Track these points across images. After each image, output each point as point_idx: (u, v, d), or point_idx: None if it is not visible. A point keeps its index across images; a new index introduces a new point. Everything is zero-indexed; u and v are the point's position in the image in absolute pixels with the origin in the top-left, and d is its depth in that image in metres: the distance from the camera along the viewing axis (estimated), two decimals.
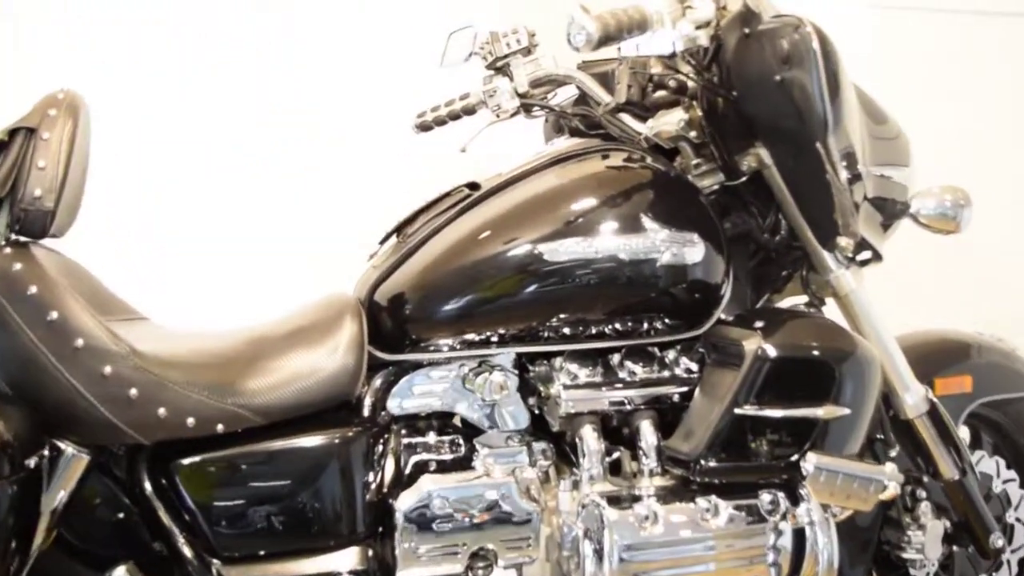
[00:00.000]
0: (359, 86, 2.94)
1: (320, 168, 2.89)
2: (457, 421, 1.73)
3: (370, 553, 1.61)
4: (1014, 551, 2.03)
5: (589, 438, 1.66)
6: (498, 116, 1.97)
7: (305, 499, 1.59)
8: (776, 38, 1.62)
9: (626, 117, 1.85)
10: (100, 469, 1.56)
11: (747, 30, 1.67)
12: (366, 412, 1.66)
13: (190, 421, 1.51)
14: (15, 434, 1.42)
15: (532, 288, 1.66)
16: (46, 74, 2.64)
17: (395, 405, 1.68)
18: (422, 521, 1.59)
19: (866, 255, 1.78)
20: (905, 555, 1.87)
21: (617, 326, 1.68)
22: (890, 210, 1.77)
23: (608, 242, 1.65)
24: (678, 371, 1.71)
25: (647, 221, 1.67)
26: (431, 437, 1.68)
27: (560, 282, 1.65)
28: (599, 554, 1.58)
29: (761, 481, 1.64)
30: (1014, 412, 2.03)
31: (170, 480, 1.55)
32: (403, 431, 1.67)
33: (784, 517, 1.62)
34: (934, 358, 1.94)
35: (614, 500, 1.61)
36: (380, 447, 1.65)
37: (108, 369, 1.47)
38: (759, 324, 1.67)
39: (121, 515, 1.56)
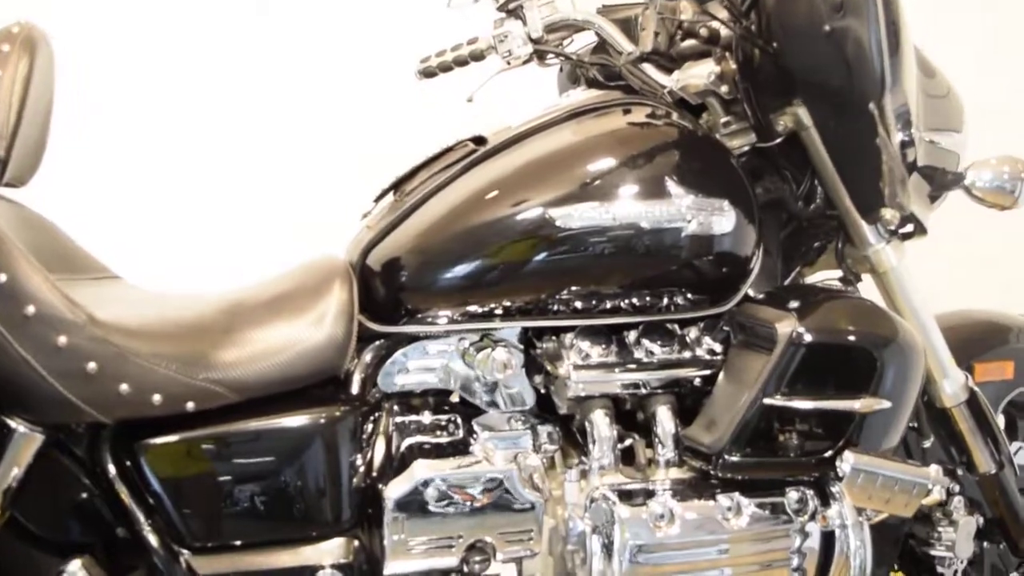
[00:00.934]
0: (353, 24, 2.72)
1: (309, 116, 2.68)
2: (455, 398, 1.56)
3: (355, 544, 1.46)
4: None
5: (600, 423, 1.50)
6: (509, 63, 1.81)
7: (285, 484, 1.44)
8: None
9: (649, 68, 1.68)
10: (58, 447, 1.40)
11: None
12: (354, 389, 1.51)
13: (156, 398, 1.35)
14: None
15: (542, 256, 1.50)
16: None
17: (387, 382, 1.53)
18: (414, 510, 1.45)
19: (909, 228, 1.61)
20: (933, 552, 1.73)
21: (634, 300, 1.51)
22: (940, 180, 1.60)
23: (628, 208, 1.48)
24: (700, 352, 1.55)
25: (672, 185, 1.50)
26: (426, 417, 1.53)
27: (573, 251, 1.49)
28: (608, 552, 1.44)
29: (788, 478, 1.49)
30: None
31: (135, 461, 1.40)
32: (395, 410, 1.52)
33: (812, 518, 1.47)
34: (974, 341, 1.79)
35: (626, 495, 1.45)
36: (369, 427, 1.50)
37: (63, 340, 1.31)
38: (793, 304, 1.50)
39: (81, 498, 1.40)
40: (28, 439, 1.34)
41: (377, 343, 1.53)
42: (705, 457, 1.48)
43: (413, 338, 1.53)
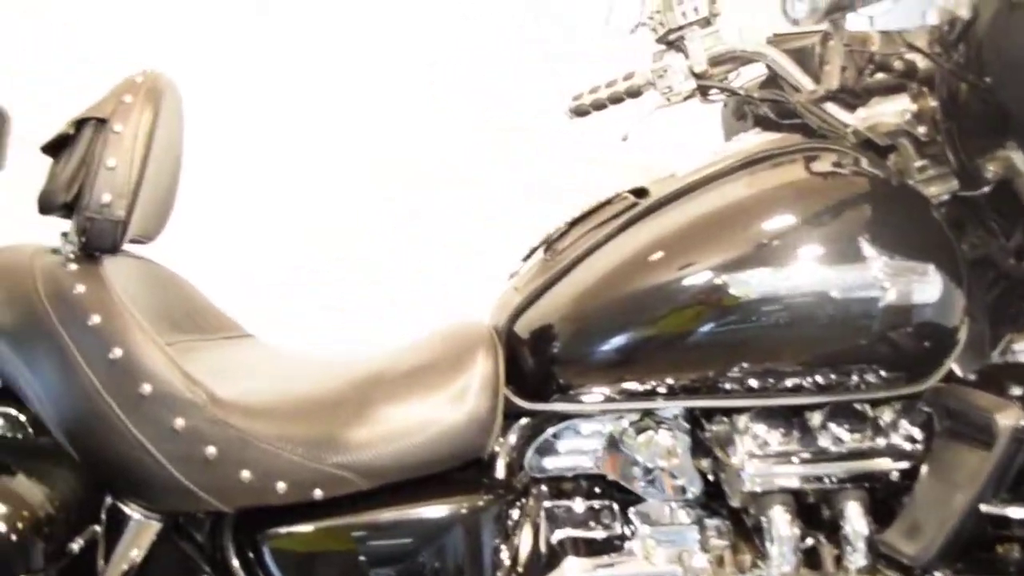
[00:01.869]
0: (497, 66, 2.57)
1: (451, 167, 2.54)
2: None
3: None
4: None
5: (779, 521, 1.30)
6: (668, 100, 1.62)
7: None
8: None
9: (829, 104, 1.47)
10: (177, 531, 1.27)
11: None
12: (499, 473, 1.35)
13: (280, 486, 1.22)
14: (64, 501, 1.14)
15: (712, 327, 1.31)
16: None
17: (535, 464, 1.36)
18: None
19: None
20: None
21: (818, 378, 1.30)
22: None
23: (814, 274, 1.28)
24: (896, 439, 1.33)
25: (866, 246, 1.29)
26: (578, 505, 1.36)
27: (748, 321, 1.29)
28: None
29: None
30: None
31: (258, 552, 1.27)
32: (544, 497, 1.36)
33: None
34: None
35: None
36: (515, 516, 1.33)
37: (180, 422, 1.19)
38: (1016, 390, 1.27)
39: None
40: (144, 527, 1.23)
41: (524, 421, 1.36)
42: (906, 570, 1.26)
43: (563, 416, 1.35)
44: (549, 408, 1.34)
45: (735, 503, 1.35)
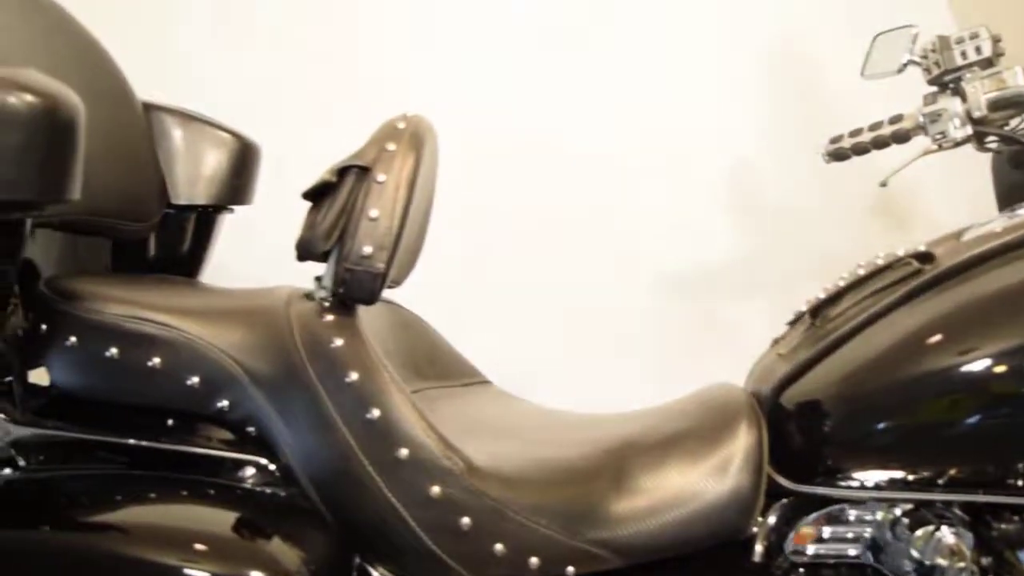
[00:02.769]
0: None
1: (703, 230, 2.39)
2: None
3: None
4: None
5: None
6: (940, 146, 1.49)
7: None
8: None
9: None
10: None
11: None
12: (757, 556, 1.24)
13: (533, 561, 1.16)
14: (318, 566, 1.11)
15: (1006, 415, 1.17)
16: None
17: (796, 549, 1.25)
18: None
19: None
20: None
21: None
22: None
23: None
24: None
25: None
26: None
27: None
28: None
29: None
30: None
31: None
32: None
33: None
34: None
35: None
36: None
37: (436, 490, 1.14)
38: None
39: None
40: None
41: (784, 501, 1.26)
42: None
43: (827, 500, 1.24)
44: (816, 492, 1.23)
45: None
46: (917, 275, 1.26)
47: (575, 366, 2.30)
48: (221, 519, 1.14)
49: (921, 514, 1.22)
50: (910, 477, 1.20)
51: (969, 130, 1.50)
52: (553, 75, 2.32)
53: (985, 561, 1.24)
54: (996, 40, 1.52)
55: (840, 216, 2.30)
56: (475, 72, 2.30)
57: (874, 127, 1.59)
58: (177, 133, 1.51)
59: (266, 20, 2.28)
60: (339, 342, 1.18)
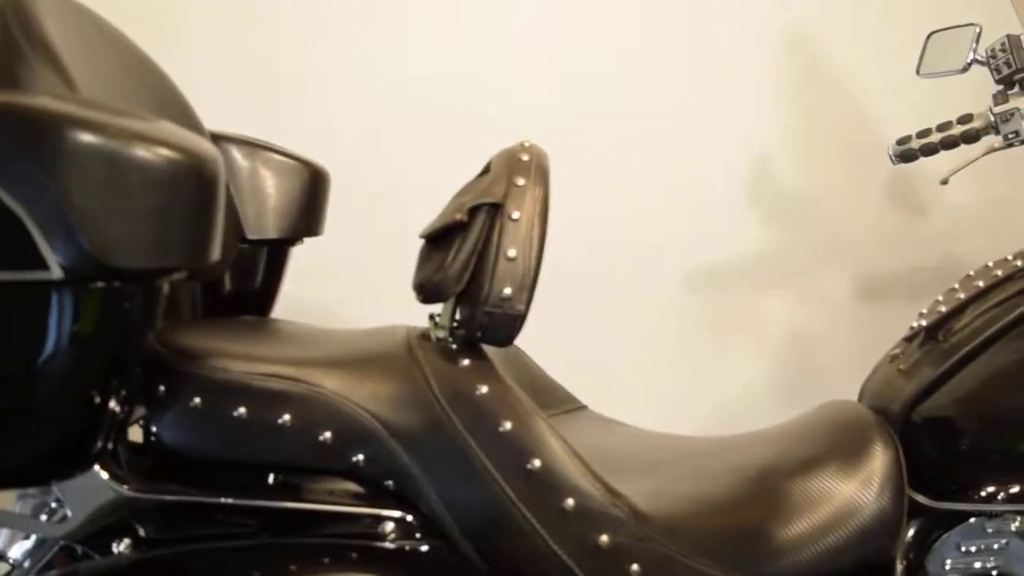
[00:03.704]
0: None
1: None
2: None
3: None
4: None
5: None
6: (1011, 145, 1.50)
7: None
8: None
9: None
10: None
11: None
12: None
13: None
14: None
15: None
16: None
17: (935, 566, 1.25)
18: None
19: None
20: None
21: None
22: None
23: None
24: None
25: None
26: None
27: None
28: None
29: None
30: None
31: None
32: None
33: None
34: None
35: None
36: None
37: (605, 538, 1.11)
38: None
39: None
40: None
41: (922, 520, 1.26)
42: None
43: (964, 515, 1.25)
44: (954, 508, 1.24)
45: None
46: None
47: (602, 363, 2.29)
48: None
49: None
50: None
51: None
52: (569, 74, 2.27)
53: None
54: None
55: (859, 207, 2.31)
56: (491, 72, 2.24)
57: (943, 127, 1.59)
58: (244, 164, 1.43)
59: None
60: (484, 389, 1.13)
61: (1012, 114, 1.53)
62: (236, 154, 1.44)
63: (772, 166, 2.32)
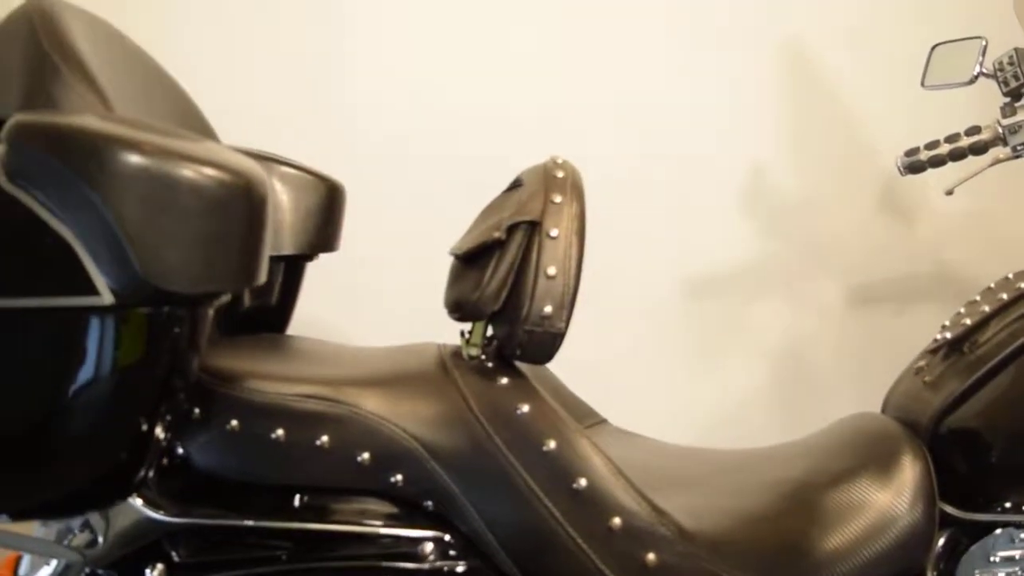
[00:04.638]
0: None
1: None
2: None
3: None
4: None
5: None
6: (1019, 156, 1.53)
7: None
8: None
9: None
10: None
11: None
12: None
13: None
14: None
15: None
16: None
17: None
18: None
19: None
20: None
21: None
22: None
23: None
24: None
25: None
26: None
27: None
28: None
29: None
30: None
31: None
32: None
33: None
34: None
35: None
36: None
37: (652, 557, 1.10)
38: None
39: None
40: None
41: (950, 530, 1.27)
42: None
43: (992, 525, 1.26)
44: (984, 518, 1.25)
45: None
46: None
47: (596, 373, 2.28)
48: None
49: None
50: None
51: None
52: (560, 78, 2.27)
53: None
54: None
55: (851, 215, 2.34)
56: (479, 77, 2.24)
57: (951, 139, 1.61)
58: None
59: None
60: (525, 408, 1.12)
61: (1020, 126, 1.55)
62: None
63: (765, 175, 2.34)
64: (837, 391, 2.38)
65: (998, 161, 1.63)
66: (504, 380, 1.15)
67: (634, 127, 2.31)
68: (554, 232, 1.14)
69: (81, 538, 1.17)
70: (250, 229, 0.95)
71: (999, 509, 1.25)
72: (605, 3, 2.28)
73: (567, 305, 1.13)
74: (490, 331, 1.20)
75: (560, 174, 1.18)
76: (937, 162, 1.62)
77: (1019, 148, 1.55)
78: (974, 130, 1.60)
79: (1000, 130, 1.57)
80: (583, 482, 1.10)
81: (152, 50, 1.33)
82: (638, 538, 1.10)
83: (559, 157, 1.22)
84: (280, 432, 1.11)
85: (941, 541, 1.27)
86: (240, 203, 0.94)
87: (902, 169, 1.65)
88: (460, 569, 1.14)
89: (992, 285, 1.39)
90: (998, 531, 1.27)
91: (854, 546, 1.18)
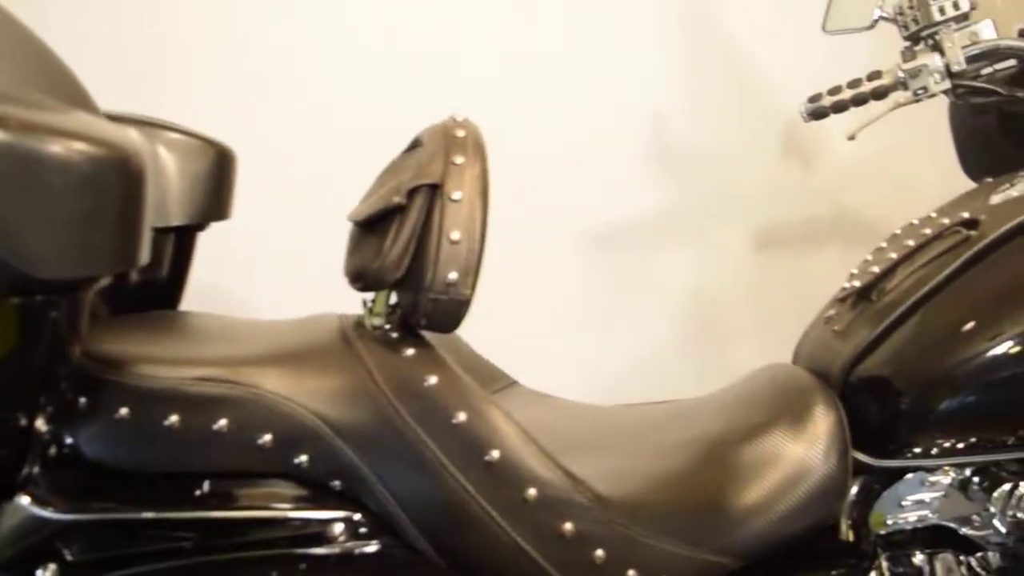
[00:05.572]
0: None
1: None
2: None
3: None
4: None
5: None
6: (918, 99, 1.53)
7: None
8: None
9: None
10: None
11: None
12: (848, 536, 1.26)
13: None
14: None
15: None
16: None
17: (879, 522, 1.27)
18: None
19: None
20: None
21: None
22: None
23: None
24: None
25: None
26: (919, 559, 1.28)
27: None
28: None
29: None
30: None
31: None
32: (891, 557, 1.27)
33: None
34: None
35: None
36: None
37: (569, 526, 1.08)
38: None
39: None
40: None
41: (863, 477, 1.27)
42: None
43: (903, 471, 1.27)
44: (894, 464, 1.26)
45: None
46: (967, 243, 1.28)
47: (504, 331, 2.25)
48: None
49: (991, 472, 1.26)
50: (984, 440, 1.24)
51: (948, 84, 1.54)
52: (451, 29, 2.22)
53: None
54: None
55: (752, 162, 2.34)
56: (372, 32, 2.17)
57: (853, 84, 1.60)
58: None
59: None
60: (433, 380, 1.08)
61: (920, 70, 1.55)
62: None
63: (667, 123, 2.32)
64: (746, 336, 2.39)
65: (899, 105, 1.63)
66: (410, 351, 1.10)
67: (528, 78, 2.26)
68: (456, 195, 1.09)
69: None
70: (127, 206, 0.89)
71: (909, 455, 1.25)
72: None
73: (473, 271, 1.09)
74: (393, 299, 1.15)
75: (460, 133, 1.13)
76: (840, 107, 1.61)
77: (919, 92, 1.55)
78: (875, 75, 1.59)
79: (901, 74, 1.56)
80: (495, 454, 1.06)
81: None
82: (554, 508, 1.07)
83: (459, 115, 1.17)
84: (174, 418, 1.05)
85: (855, 489, 1.28)
86: (114, 179, 0.87)
87: (805, 115, 1.64)
88: (371, 549, 1.10)
89: (898, 231, 1.39)
90: (909, 476, 1.27)
91: (771, 500, 1.17)
